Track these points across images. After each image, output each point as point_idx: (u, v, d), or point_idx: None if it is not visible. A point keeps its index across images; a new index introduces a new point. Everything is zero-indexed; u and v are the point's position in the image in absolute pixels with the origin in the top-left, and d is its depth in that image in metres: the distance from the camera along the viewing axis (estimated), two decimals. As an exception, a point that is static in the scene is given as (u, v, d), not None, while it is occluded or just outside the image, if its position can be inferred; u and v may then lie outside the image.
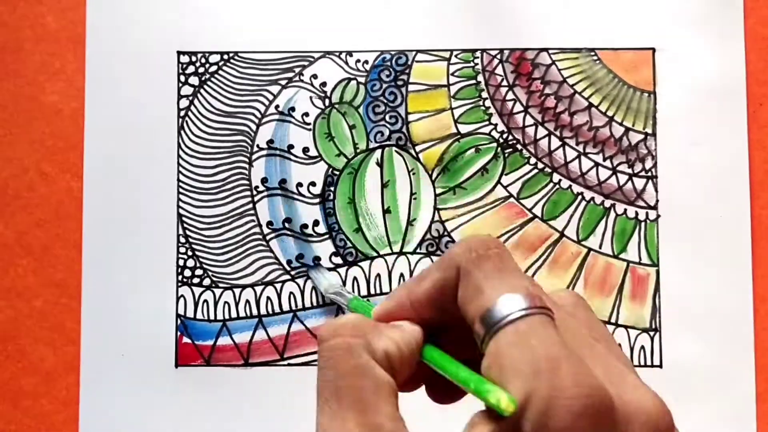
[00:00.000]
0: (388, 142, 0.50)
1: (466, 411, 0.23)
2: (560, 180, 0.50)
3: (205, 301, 0.49)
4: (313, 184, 0.50)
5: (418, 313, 0.26)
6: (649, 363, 0.48)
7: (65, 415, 0.49)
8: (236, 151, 0.50)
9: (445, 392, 0.27)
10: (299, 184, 0.50)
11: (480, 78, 0.50)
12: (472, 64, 0.50)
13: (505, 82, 0.50)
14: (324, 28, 0.50)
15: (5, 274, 0.49)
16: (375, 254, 0.49)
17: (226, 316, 0.49)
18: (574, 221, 0.49)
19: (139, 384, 0.48)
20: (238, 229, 0.50)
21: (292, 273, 0.49)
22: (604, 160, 0.50)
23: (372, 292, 0.49)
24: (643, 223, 0.49)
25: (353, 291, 0.49)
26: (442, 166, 0.50)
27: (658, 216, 0.49)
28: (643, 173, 0.49)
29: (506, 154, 0.50)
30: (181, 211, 0.49)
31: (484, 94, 0.50)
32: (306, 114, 0.50)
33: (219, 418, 0.48)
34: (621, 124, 0.50)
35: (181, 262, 0.49)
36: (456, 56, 0.50)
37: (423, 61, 0.50)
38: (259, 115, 0.50)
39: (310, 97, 0.50)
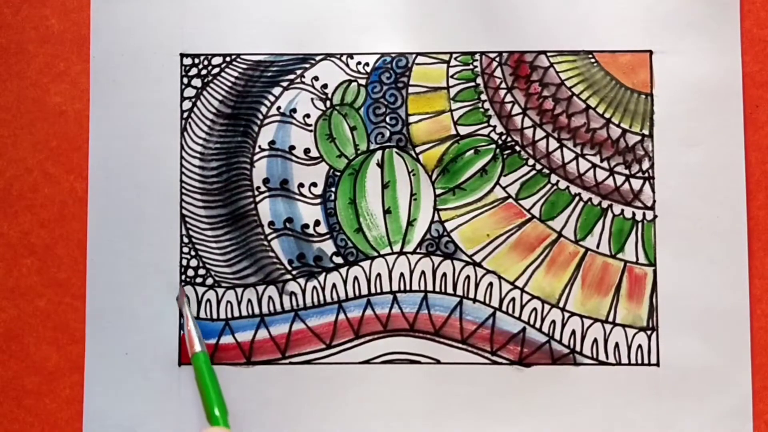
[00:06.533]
0: (388, 144, 0.50)
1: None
2: (558, 181, 0.50)
3: (208, 300, 0.50)
4: (314, 184, 0.50)
5: None
6: (646, 362, 0.49)
7: (69, 414, 0.49)
8: (238, 152, 0.50)
9: None
10: (300, 185, 0.50)
11: (479, 80, 0.50)
12: (471, 66, 0.50)
13: (503, 85, 0.50)
14: (325, 31, 0.50)
15: (9, 273, 0.50)
16: (375, 254, 0.50)
17: (229, 315, 0.50)
18: (571, 221, 0.50)
19: (142, 383, 0.49)
20: (240, 229, 0.50)
21: (294, 273, 0.50)
22: (602, 161, 0.50)
23: (372, 291, 0.50)
24: (640, 224, 0.50)
25: (354, 291, 0.50)
26: (441, 167, 0.50)
27: (655, 216, 0.50)
28: (640, 174, 0.50)
29: (505, 156, 0.50)
30: (184, 211, 0.50)
31: (483, 96, 0.50)
32: (307, 115, 0.51)
33: (221, 416, 0.49)
34: (618, 125, 0.50)
35: (184, 262, 0.50)
36: (455, 59, 0.50)
37: (423, 64, 0.51)
38: (261, 117, 0.50)
39: (312, 99, 0.51)
